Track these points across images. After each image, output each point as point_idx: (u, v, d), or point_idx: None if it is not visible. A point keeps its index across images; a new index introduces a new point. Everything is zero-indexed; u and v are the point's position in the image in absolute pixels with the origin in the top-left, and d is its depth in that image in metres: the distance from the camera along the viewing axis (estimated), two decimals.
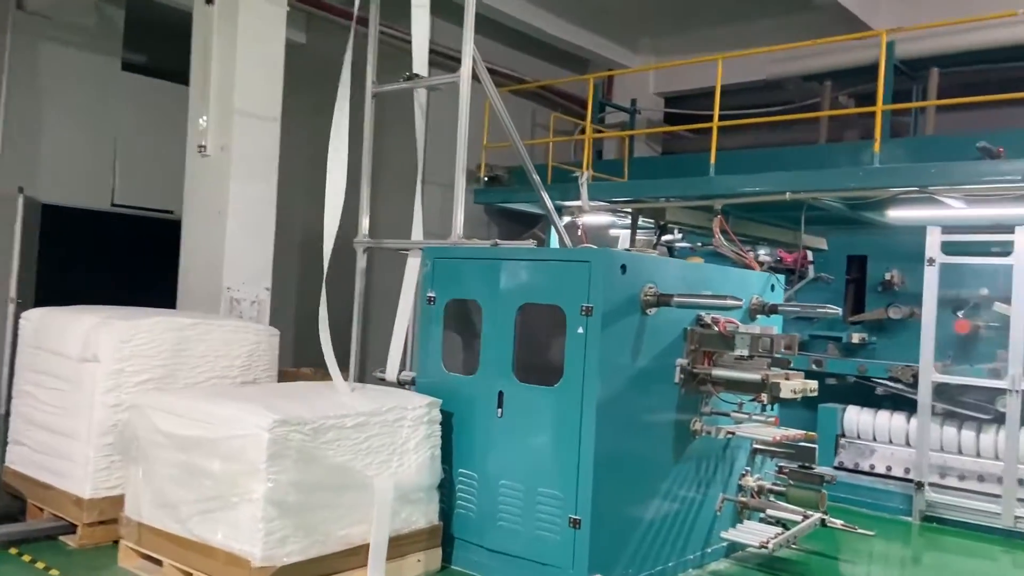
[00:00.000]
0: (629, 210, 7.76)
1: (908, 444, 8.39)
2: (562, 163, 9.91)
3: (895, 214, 7.22)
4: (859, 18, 10.97)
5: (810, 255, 9.31)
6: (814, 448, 6.09)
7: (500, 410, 5.35)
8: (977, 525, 7.46)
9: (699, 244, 9.49)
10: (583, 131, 11.10)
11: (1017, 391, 7.26)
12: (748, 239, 9.00)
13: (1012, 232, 7.26)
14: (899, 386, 8.39)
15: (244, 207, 7.07)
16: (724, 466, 6.12)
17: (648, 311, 5.31)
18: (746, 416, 5.70)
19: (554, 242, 7.87)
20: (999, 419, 7.79)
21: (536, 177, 6.24)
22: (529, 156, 6.36)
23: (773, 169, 6.84)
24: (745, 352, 5.44)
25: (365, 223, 6.36)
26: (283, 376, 6.48)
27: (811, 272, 9.31)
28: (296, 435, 4.41)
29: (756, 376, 5.35)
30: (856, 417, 8.77)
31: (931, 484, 7.86)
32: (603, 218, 8.49)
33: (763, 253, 9.40)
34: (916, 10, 10.48)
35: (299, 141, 9.40)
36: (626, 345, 5.20)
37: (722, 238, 6.60)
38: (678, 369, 5.58)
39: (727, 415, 5.78)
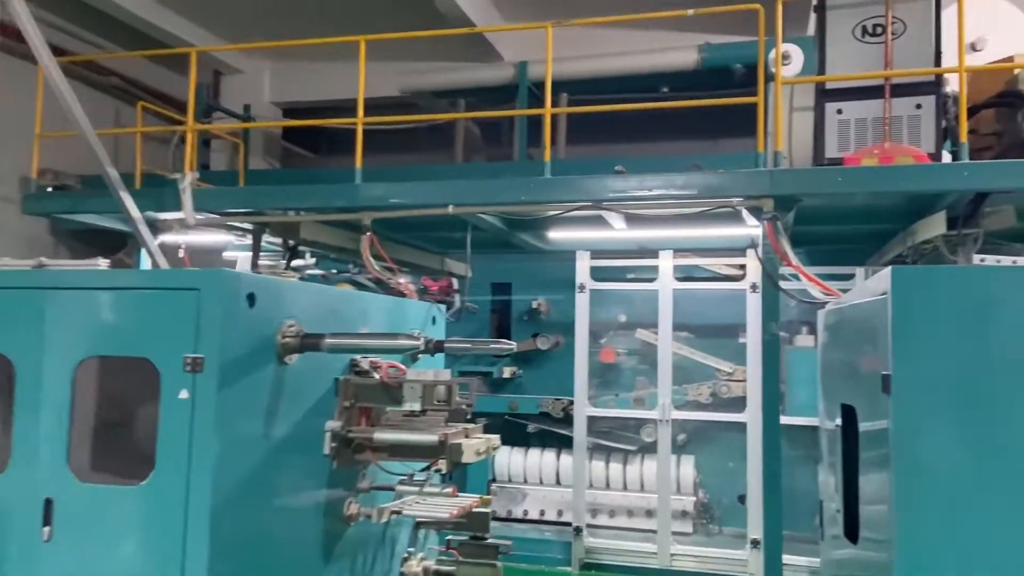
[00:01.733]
0: (250, 226, 6.08)
1: (559, 483, 7.88)
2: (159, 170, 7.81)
3: (556, 235, 6.64)
4: (488, 40, 10.62)
5: (455, 283, 8.44)
6: (487, 514, 5.02)
7: (47, 529, 3.35)
8: (637, 568, 7.07)
9: (334, 271, 8.07)
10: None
11: (667, 421, 7.05)
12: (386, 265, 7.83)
13: (657, 256, 7.11)
14: (549, 422, 7.86)
15: None
16: (384, 552, 4.75)
17: (288, 358, 3.75)
18: (415, 488, 4.38)
19: (145, 267, 5.89)
20: (644, 449, 7.60)
21: (112, 172, 4.33)
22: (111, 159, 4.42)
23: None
24: (416, 406, 4.15)
25: None
26: None
27: (457, 301, 8.44)
28: None
29: (432, 437, 4.07)
30: (507, 459, 8.05)
31: (588, 526, 7.37)
32: (215, 236, 6.67)
33: (403, 281, 8.36)
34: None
35: None
36: (256, 410, 3.58)
37: (373, 261, 5.28)
38: (328, 435, 4.09)
39: (391, 488, 4.41)
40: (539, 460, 7.99)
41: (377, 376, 4.25)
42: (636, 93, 9.35)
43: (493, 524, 7.83)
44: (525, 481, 8.02)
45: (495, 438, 4.46)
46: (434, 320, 5.44)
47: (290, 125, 11.73)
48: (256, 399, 3.57)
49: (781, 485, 5.26)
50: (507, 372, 8.01)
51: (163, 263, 4.43)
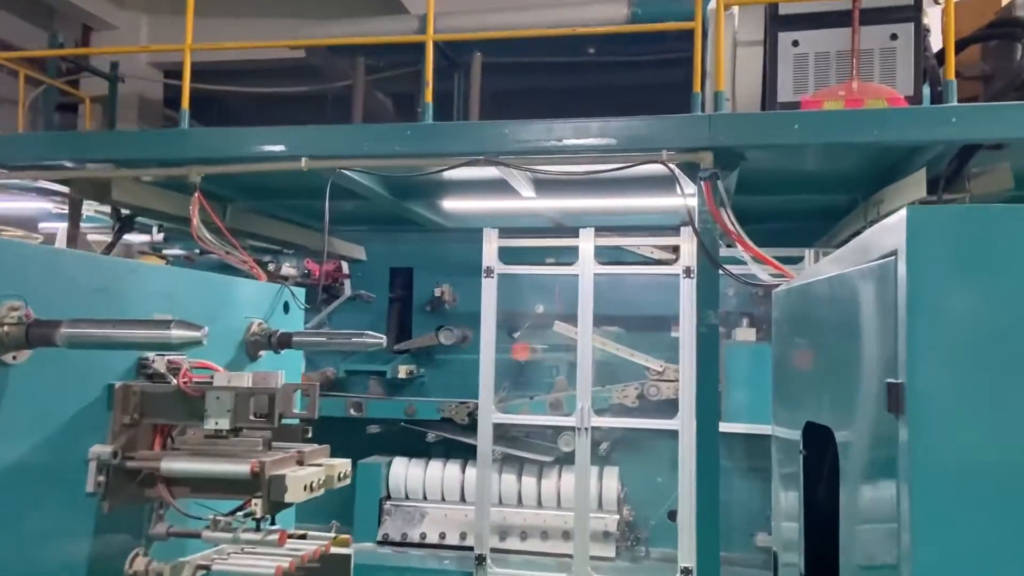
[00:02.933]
0: (62, 188, 4.77)
1: (464, 500, 6.75)
2: None
3: (453, 205, 5.52)
4: None
5: (346, 267, 7.23)
6: (348, 556, 3.86)
7: None
8: None
9: (197, 252, 6.78)
10: None
11: (586, 428, 5.99)
12: (265, 244, 6.58)
13: (577, 236, 6.04)
14: (453, 429, 6.73)
15: None
16: None
17: (9, 356, 2.53)
18: (227, 534, 3.18)
19: None
20: (563, 460, 6.54)
21: None
22: None
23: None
24: (224, 423, 2.98)
25: None
26: None
27: (348, 289, 7.24)
28: None
29: (240, 467, 2.89)
30: (403, 472, 6.88)
31: (493, 551, 6.27)
32: (26, 203, 5.33)
33: (287, 265, 7.11)
34: None
35: None
36: None
37: (203, 228, 4.05)
38: (93, 466, 2.88)
39: (198, 536, 3.21)
40: (441, 474, 6.84)
41: (174, 381, 3.07)
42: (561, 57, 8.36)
43: (383, 551, 6.72)
44: (424, 498, 6.87)
45: (343, 464, 3.30)
46: (286, 307, 4.25)
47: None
48: None
49: (718, 502, 4.25)
50: (403, 372, 6.84)
51: None
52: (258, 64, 10.06)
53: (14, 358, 2.51)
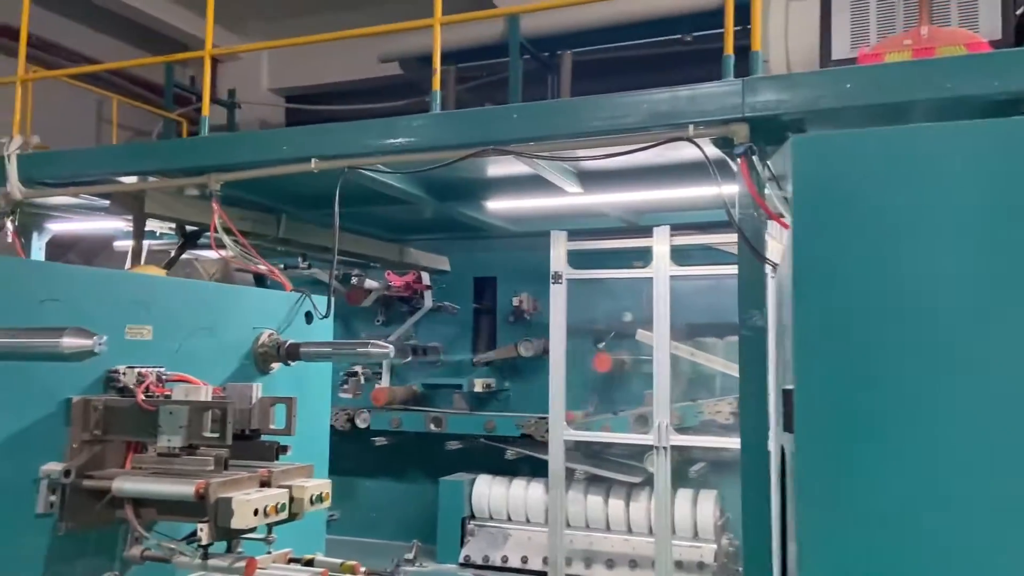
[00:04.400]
0: (102, 201, 4.82)
1: (548, 523, 6.33)
2: None
3: (496, 206, 5.19)
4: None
5: (426, 278, 7.04)
6: None
7: None
8: None
9: (281, 266, 6.81)
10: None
11: (665, 448, 5.41)
12: (344, 258, 6.50)
13: (651, 235, 5.51)
14: (532, 446, 6.35)
15: None
16: None
17: None
18: (195, 561, 2.96)
19: None
20: (650, 482, 5.98)
21: None
22: None
23: None
24: (176, 440, 2.78)
25: None
26: None
27: (428, 300, 7.05)
28: None
29: (184, 488, 2.68)
30: (487, 491, 6.56)
31: None
32: (100, 223, 5.53)
33: (369, 279, 7.01)
34: None
35: None
36: None
37: (224, 234, 3.94)
38: (44, 484, 2.76)
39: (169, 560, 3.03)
40: (524, 493, 6.47)
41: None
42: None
43: (464, 575, 6.42)
44: (508, 519, 6.52)
45: (318, 485, 3.01)
46: (308, 317, 4.04)
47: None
48: None
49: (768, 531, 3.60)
50: (479, 385, 6.54)
51: None
52: (359, 84, 10.19)
53: None
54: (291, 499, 2.89)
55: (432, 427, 6.65)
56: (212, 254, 5.91)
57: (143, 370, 3.03)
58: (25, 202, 4.45)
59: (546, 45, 8.03)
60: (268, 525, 2.87)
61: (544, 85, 8.45)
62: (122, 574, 3.03)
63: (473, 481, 6.63)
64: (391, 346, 3.65)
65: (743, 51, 3.43)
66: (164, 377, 3.08)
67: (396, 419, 6.75)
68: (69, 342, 2.28)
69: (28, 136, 4.46)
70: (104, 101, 10.21)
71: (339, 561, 3.39)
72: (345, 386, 6.82)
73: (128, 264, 5.42)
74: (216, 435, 2.79)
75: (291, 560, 3.26)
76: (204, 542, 2.68)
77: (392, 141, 3.65)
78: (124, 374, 3.02)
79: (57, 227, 5.70)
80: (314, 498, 2.99)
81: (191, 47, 11.03)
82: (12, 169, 4.33)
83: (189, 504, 2.70)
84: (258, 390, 3.13)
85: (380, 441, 6.88)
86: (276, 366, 3.84)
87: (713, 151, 3.38)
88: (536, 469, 6.56)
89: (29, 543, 2.76)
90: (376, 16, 5.68)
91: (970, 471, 1.64)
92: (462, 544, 6.53)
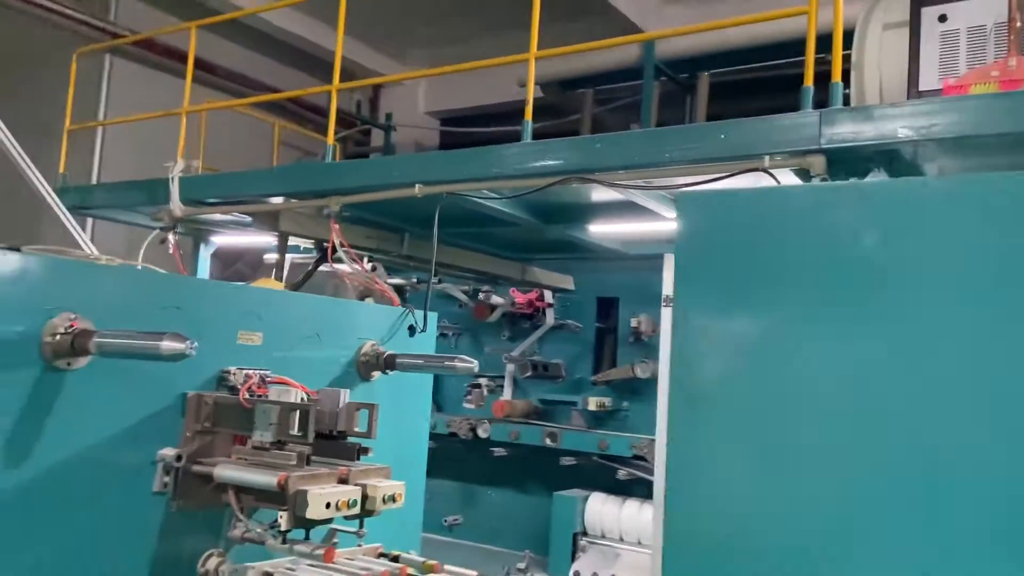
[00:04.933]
0: (246, 218, 5.41)
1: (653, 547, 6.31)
2: None
3: (597, 229, 5.29)
4: (636, 24, 9.33)
5: (548, 296, 7.25)
6: None
7: None
8: None
9: (414, 280, 7.27)
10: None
11: None
12: (462, 274, 6.85)
13: None
14: (644, 467, 6.37)
15: None
16: None
17: (65, 363, 2.92)
18: (284, 546, 3.31)
19: None
20: None
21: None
22: None
23: None
24: (267, 436, 3.15)
25: None
26: None
27: (550, 318, 7.25)
28: None
29: (267, 478, 3.03)
30: (599, 508, 6.65)
31: None
32: (258, 238, 6.18)
33: (495, 295, 7.32)
34: (694, 12, 8.91)
35: None
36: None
37: (343, 251, 4.35)
38: (160, 467, 3.21)
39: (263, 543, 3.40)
40: (637, 514, 6.49)
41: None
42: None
43: None
44: (621, 539, 6.57)
45: (392, 487, 3.27)
46: (411, 331, 4.36)
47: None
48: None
49: None
50: (593, 404, 6.64)
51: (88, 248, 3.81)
52: (504, 107, 10.56)
53: (68, 364, 2.90)
54: (364, 497, 3.17)
55: (548, 442, 6.82)
56: (345, 268, 6.45)
57: (250, 371, 3.43)
58: (186, 219, 5.09)
59: (684, 67, 8.05)
60: (359, 519, 3.18)
61: (682, 107, 8.46)
62: (225, 552, 3.44)
63: (586, 498, 6.72)
64: (475, 362, 3.88)
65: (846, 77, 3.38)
66: (267, 379, 3.47)
67: (515, 431, 6.98)
68: (167, 345, 2.68)
69: (190, 160, 5.10)
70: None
71: (421, 560, 3.65)
72: (469, 396, 7.15)
73: (272, 275, 6.03)
74: (300, 433, 3.13)
75: (380, 555, 3.55)
76: (283, 528, 3.01)
77: (487, 169, 3.89)
78: (233, 374, 3.44)
79: (220, 240, 6.41)
80: (386, 497, 3.25)
81: (356, 74, 11.93)
82: (175, 189, 4.98)
83: (274, 493, 3.05)
84: (345, 395, 3.44)
85: (499, 452, 7.14)
86: (376, 374, 4.17)
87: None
88: (650, 491, 6.56)
89: (148, 516, 3.20)
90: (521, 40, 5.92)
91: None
92: (573, 559, 6.65)
